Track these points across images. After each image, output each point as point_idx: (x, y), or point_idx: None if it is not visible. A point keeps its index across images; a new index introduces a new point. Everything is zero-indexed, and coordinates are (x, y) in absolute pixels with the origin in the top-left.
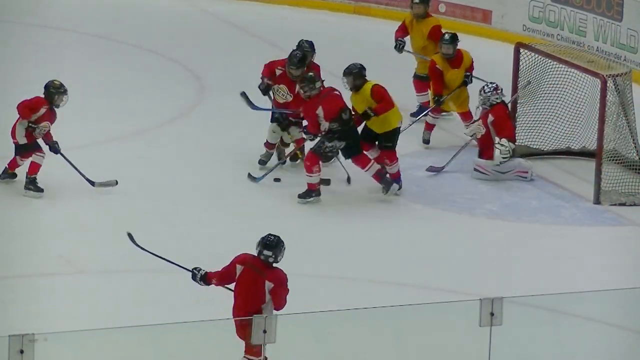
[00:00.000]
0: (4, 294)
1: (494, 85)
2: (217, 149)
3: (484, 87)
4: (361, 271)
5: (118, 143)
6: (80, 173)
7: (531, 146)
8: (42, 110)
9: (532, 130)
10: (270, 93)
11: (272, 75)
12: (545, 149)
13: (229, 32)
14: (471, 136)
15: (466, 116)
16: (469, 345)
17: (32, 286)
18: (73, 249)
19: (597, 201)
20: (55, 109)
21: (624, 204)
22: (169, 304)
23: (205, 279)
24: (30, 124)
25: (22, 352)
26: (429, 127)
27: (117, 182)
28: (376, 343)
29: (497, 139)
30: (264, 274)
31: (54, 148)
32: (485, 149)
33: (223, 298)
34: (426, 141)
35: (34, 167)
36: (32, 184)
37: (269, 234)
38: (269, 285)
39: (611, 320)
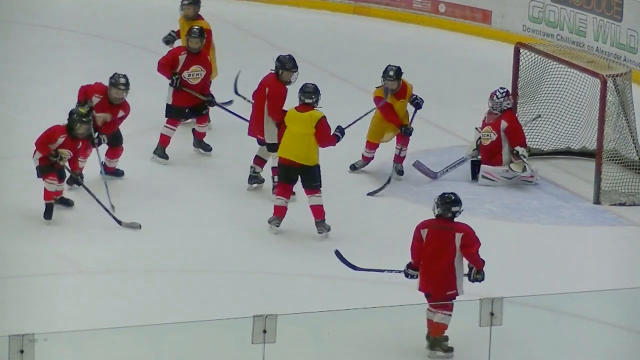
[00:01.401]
0: (4, 294)
1: (505, 90)
2: (217, 148)
3: (495, 92)
4: (361, 271)
5: None
6: (106, 209)
7: (531, 146)
8: (60, 140)
9: (532, 130)
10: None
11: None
12: (545, 149)
13: (229, 32)
14: (471, 154)
15: (404, 137)
16: (469, 345)
17: (32, 286)
18: (73, 249)
19: (597, 201)
20: (77, 137)
21: (624, 204)
22: (169, 304)
23: (413, 267)
24: (50, 155)
25: (22, 352)
26: (366, 159)
27: (140, 226)
28: (376, 343)
29: (518, 150)
30: (452, 227)
31: (77, 180)
32: (493, 155)
33: (225, 297)
34: (353, 167)
35: (46, 194)
36: (48, 211)
37: (445, 193)
38: (458, 236)
39: (611, 320)
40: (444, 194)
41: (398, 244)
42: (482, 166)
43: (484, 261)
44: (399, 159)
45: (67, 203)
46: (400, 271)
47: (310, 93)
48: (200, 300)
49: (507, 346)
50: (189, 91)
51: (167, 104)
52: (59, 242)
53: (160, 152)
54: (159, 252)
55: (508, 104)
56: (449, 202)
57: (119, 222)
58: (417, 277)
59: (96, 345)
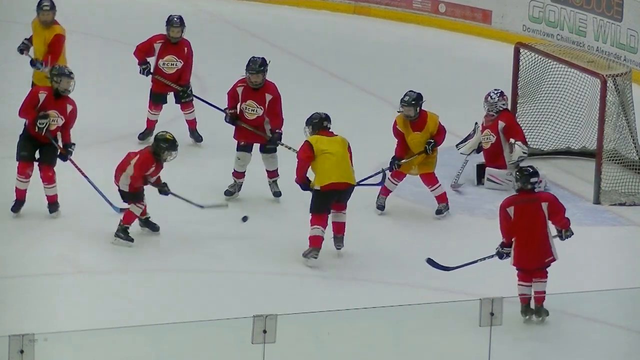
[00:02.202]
0: (4, 294)
1: (499, 91)
2: (217, 148)
3: (489, 93)
4: (361, 271)
5: (118, 143)
6: (189, 201)
7: (531, 146)
8: (152, 169)
9: (532, 130)
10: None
11: (235, 97)
12: (545, 149)
13: (229, 32)
14: (468, 154)
15: (429, 178)
16: (469, 345)
17: (32, 286)
18: (73, 249)
19: (597, 201)
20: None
21: (624, 204)
22: (169, 304)
23: (506, 245)
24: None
25: (22, 352)
26: (386, 192)
27: (227, 205)
28: (376, 343)
29: (512, 140)
30: (537, 198)
31: (164, 191)
32: (495, 157)
33: (225, 297)
34: (381, 207)
35: (129, 217)
36: (123, 232)
37: (522, 166)
38: (544, 205)
39: (611, 320)
40: (522, 167)
41: (397, 244)
42: (487, 169)
43: (569, 220)
44: (438, 199)
45: (154, 227)
46: (492, 255)
47: (329, 119)
48: (200, 300)
49: (507, 346)
50: (163, 80)
51: (150, 90)
52: (59, 242)
53: (143, 135)
54: (159, 252)
55: (503, 104)
56: (527, 175)
57: (202, 206)
58: (510, 255)
59: (96, 345)
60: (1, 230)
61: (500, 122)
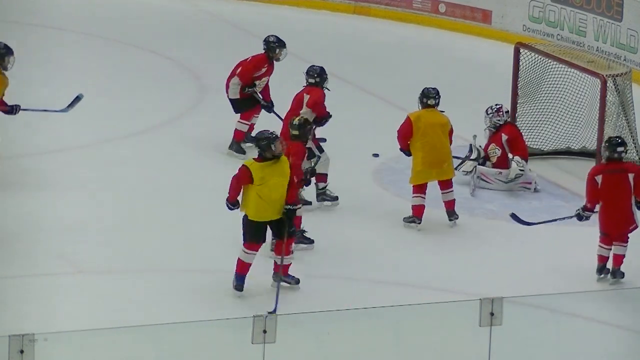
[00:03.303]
0: (5, 294)
1: (497, 106)
2: (217, 148)
3: (487, 109)
4: (361, 271)
5: (118, 143)
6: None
7: (531, 146)
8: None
9: (532, 130)
10: None
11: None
12: (545, 149)
13: (229, 32)
14: (471, 170)
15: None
16: (469, 345)
17: (32, 286)
18: (73, 249)
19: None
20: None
21: None
22: (169, 304)
23: (588, 210)
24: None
25: (22, 352)
26: (450, 205)
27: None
28: (376, 343)
29: (510, 156)
30: (625, 169)
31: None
32: (504, 168)
33: (225, 297)
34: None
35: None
36: (300, 235)
37: (611, 136)
38: (631, 176)
39: (611, 320)
40: (610, 137)
41: (397, 244)
42: (478, 167)
43: None
44: (412, 209)
45: (309, 241)
46: (572, 216)
47: None
48: (200, 300)
49: (507, 346)
50: (256, 96)
51: (234, 99)
52: (59, 242)
53: (237, 147)
54: (159, 252)
55: (498, 120)
56: (614, 144)
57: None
58: (589, 218)
59: (96, 345)
60: (1, 230)
61: (503, 134)
